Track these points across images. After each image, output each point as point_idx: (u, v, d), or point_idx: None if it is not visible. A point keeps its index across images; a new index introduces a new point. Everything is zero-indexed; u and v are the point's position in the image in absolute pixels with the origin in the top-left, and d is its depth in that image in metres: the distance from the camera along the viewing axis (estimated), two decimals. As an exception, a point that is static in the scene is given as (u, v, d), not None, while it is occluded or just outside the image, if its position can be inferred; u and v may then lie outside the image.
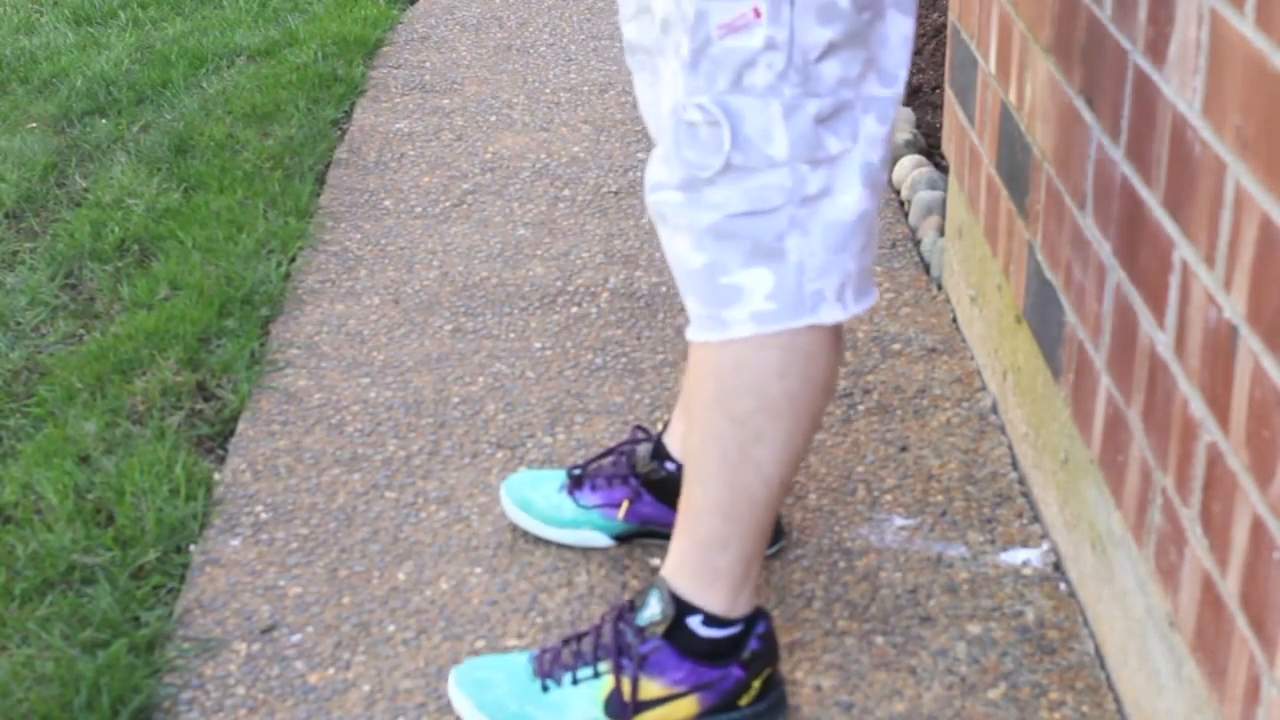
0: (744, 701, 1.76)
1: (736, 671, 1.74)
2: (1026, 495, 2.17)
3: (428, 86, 3.89)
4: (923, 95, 3.52)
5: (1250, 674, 1.34)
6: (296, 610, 2.00)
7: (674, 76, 1.59)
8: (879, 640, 1.91)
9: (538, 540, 2.11)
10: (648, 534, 2.08)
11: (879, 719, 1.79)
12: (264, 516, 2.19)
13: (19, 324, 2.77)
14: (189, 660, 1.92)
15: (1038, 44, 1.97)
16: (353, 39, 4.18)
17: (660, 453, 2.05)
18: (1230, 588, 1.38)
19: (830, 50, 1.55)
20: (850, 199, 1.61)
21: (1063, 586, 1.99)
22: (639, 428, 2.12)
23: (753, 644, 1.75)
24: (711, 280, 1.63)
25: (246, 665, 1.91)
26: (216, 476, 2.29)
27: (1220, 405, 1.39)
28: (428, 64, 4.06)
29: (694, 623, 1.73)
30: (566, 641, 1.79)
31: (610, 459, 2.10)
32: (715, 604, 1.73)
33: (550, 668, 1.76)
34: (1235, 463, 1.36)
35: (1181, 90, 1.46)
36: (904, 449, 2.29)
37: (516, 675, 1.77)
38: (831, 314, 1.64)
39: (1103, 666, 1.85)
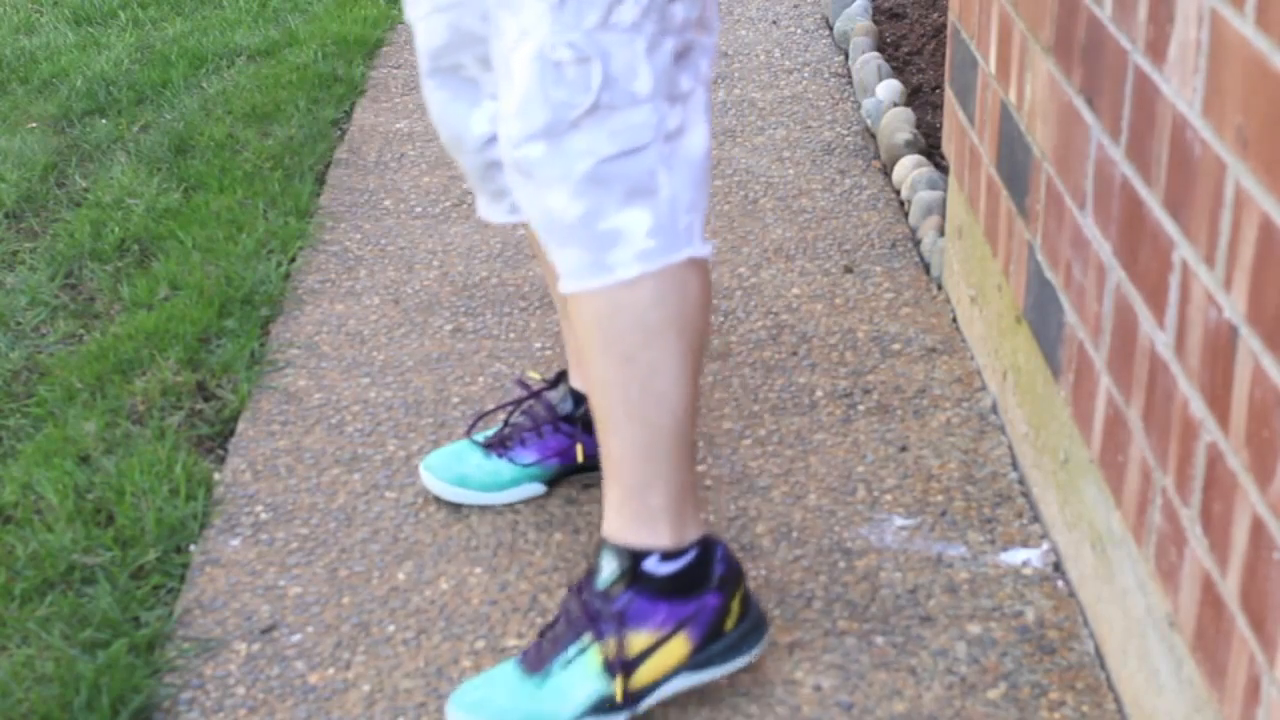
0: (729, 626, 1.78)
1: (712, 599, 1.76)
2: (1026, 495, 2.17)
3: (428, 86, 3.89)
4: (923, 95, 3.52)
5: (1250, 674, 1.34)
6: (296, 610, 2.00)
7: (537, 19, 1.61)
8: (879, 640, 1.91)
9: (538, 540, 2.11)
10: (578, 471, 2.20)
11: (879, 719, 1.79)
12: (264, 516, 2.20)
13: (19, 324, 2.77)
14: (189, 660, 1.92)
15: (1038, 44, 1.97)
16: (353, 39, 4.18)
17: (579, 395, 2.15)
18: (1230, 588, 1.38)
19: None
20: (699, 136, 1.69)
21: (1063, 586, 1.99)
22: (520, 382, 2.22)
23: (717, 568, 1.77)
24: (590, 227, 1.66)
25: (246, 665, 1.91)
26: (216, 476, 2.29)
27: (1220, 405, 1.39)
28: (428, 64, 4.05)
29: (650, 564, 1.74)
30: (542, 634, 1.79)
31: (520, 418, 2.18)
32: (663, 540, 1.74)
33: (537, 662, 1.76)
34: (1235, 463, 1.36)
35: (1181, 90, 1.46)
36: (904, 449, 2.29)
37: (509, 682, 1.76)
38: (703, 247, 1.71)
39: (1103, 666, 1.85)
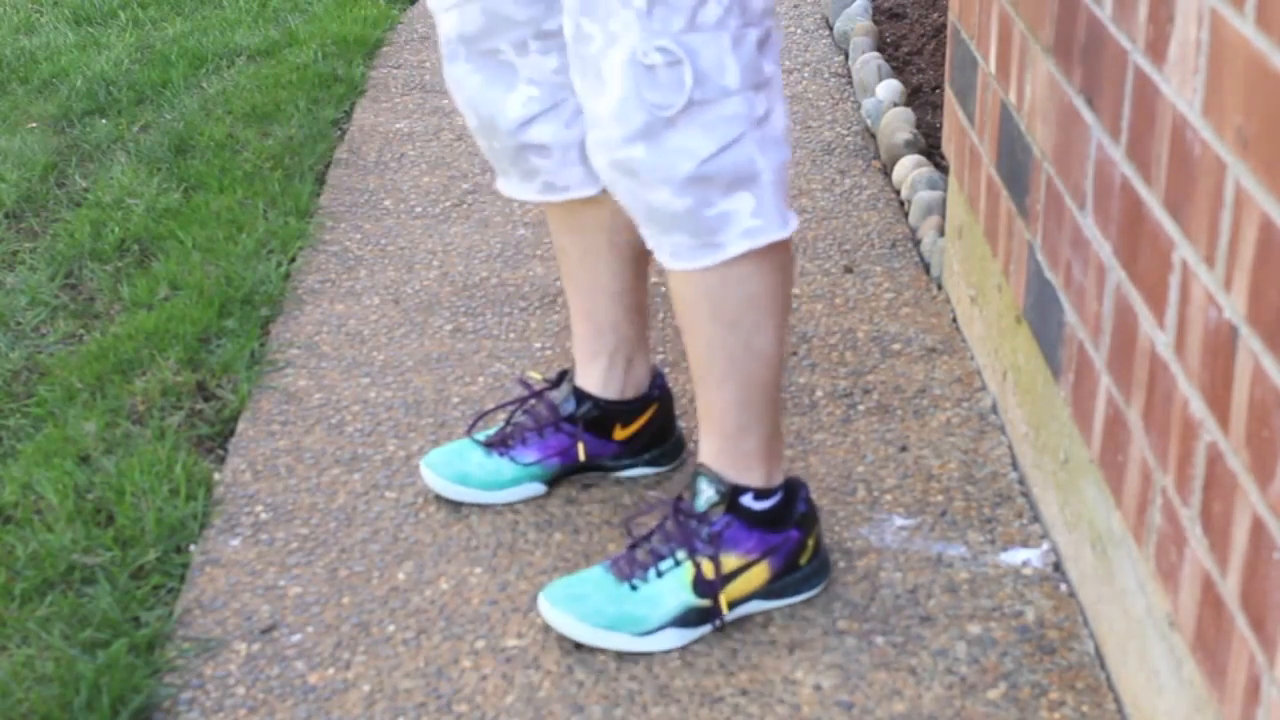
0: (803, 561, 1.95)
1: (794, 534, 1.93)
2: (1026, 495, 2.17)
3: (428, 86, 3.89)
4: (923, 95, 3.52)
5: (1250, 674, 1.34)
6: (296, 610, 2.00)
7: (625, 25, 1.69)
8: (879, 640, 1.91)
9: (538, 540, 2.11)
10: (579, 470, 2.22)
11: (879, 719, 1.79)
12: (264, 516, 2.20)
13: (19, 324, 2.77)
14: (189, 660, 1.92)
15: (1038, 44, 1.97)
16: (353, 39, 4.18)
17: (582, 395, 2.17)
18: (1230, 588, 1.38)
19: None
20: (781, 117, 1.80)
21: (1063, 586, 1.99)
22: (522, 381, 2.24)
23: (800, 507, 1.94)
24: (697, 216, 1.77)
25: (246, 665, 1.91)
26: (216, 476, 2.29)
27: (1220, 405, 1.39)
28: (428, 64, 4.05)
29: (747, 500, 1.91)
30: (633, 546, 1.92)
31: (522, 417, 2.20)
32: (757, 480, 1.92)
33: (631, 570, 1.90)
34: (1235, 463, 1.36)
35: (1181, 90, 1.46)
36: (904, 449, 2.29)
37: (603, 584, 1.90)
38: (794, 220, 1.85)
39: (1103, 666, 1.85)
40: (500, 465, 2.17)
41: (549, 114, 1.98)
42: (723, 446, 1.91)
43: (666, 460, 2.23)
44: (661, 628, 1.88)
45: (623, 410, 2.17)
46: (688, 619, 1.89)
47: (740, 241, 1.79)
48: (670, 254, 1.82)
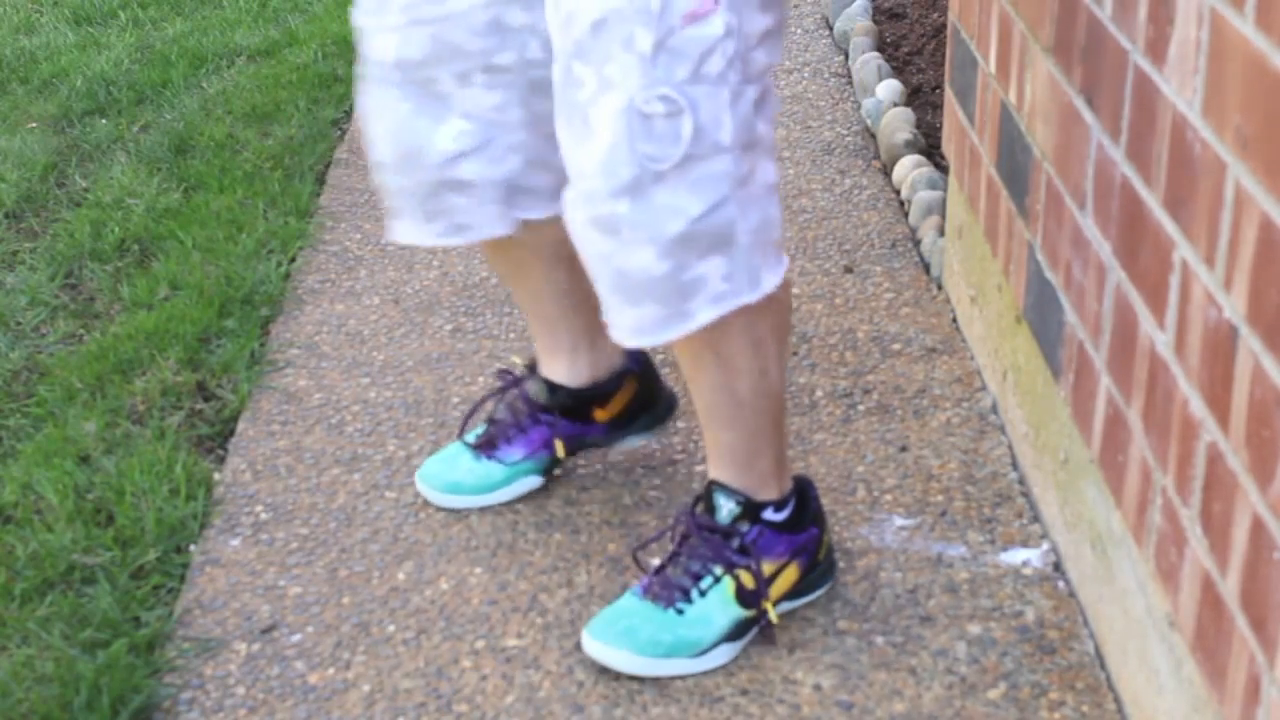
0: (821, 556, 1.97)
1: (814, 531, 1.95)
2: (1026, 495, 2.17)
3: (428, 86, 3.88)
4: (923, 95, 3.52)
5: (1250, 674, 1.34)
6: (296, 610, 2.00)
7: (625, 71, 1.60)
8: (879, 640, 1.91)
9: (538, 540, 2.11)
10: (572, 454, 2.21)
11: (879, 719, 1.79)
12: (264, 516, 2.20)
13: (19, 324, 2.77)
14: (189, 660, 1.92)
15: (1038, 44, 1.97)
16: (353, 39, 4.18)
17: (552, 386, 2.15)
18: (1230, 588, 1.38)
19: (765, 38, 1.66)
20: (767, 175, 1.72)
21: (1063, 586, 1.99)
22: (504, 371, 2.21)
23: (813, 504, 1.95)
24: (674, 281, 1.68)
25: (246, 665, 1.91)
26: (216, 476, 2.29)
27: (1220, 405, 1.39)
28: (428, 64, 4.05)
29: (768, 514, 1.90)
30: (661, 569, 1.90)
31: (503, 413, 2.18)
32: (772, 494, 1.91)
33: (671, 593, 1.88)
34: (1235, 463, 1.36)
35: (1181, 90, 1.46)
36: (904, 449, 2.29)
37: (648, 613, 1.87)
38: (773, 279, 1.76)
39: (1103, 666, 1.85)
40: (489, 469, 2.17)
41: (479, 151, 1.89)
42: (738, 470, 1.89)
43: (659, 423, 2.22)
44: (715, 645, 1.86)
45: (597, 394, 2.16)
46: (737, 632, 1.88)
47: (708, 309, 1.71)
48: (631, 330, 1.73)
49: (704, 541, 1.89)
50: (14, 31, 4.41)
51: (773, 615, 1.89)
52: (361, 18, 1.88)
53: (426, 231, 1.96)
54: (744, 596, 1.88)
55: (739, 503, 1.88)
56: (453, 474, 2.17)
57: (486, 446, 2.17)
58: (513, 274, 2.10)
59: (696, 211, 1.64)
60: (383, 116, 1.89)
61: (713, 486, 1.90)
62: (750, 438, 1.86)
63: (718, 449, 1.88)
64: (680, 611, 1.86)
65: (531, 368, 2.19)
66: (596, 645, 1.85)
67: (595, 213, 1.65)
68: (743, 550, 1.88)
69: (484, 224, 1.95)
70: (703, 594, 1.87)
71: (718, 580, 1.87)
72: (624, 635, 1.85)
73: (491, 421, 2.19)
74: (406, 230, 1.97)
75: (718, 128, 1.63)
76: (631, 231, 1.64)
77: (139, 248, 3.03)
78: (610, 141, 1.61)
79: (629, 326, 1.72)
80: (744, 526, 1.88)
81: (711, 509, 1.90)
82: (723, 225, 1.67)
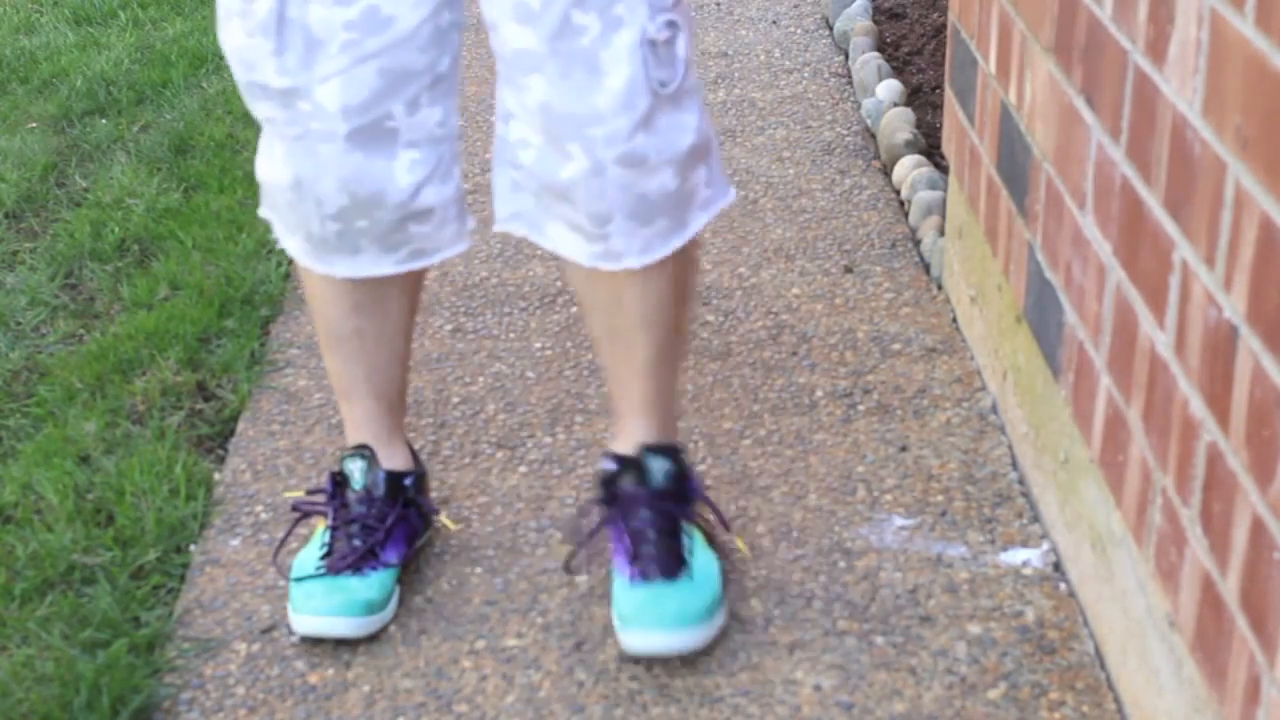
0: None
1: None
2: (1026, 495, 2.17)
3: (428, 86, 3.88)
4: (923, 95, 3.52)
5: (1250, 674, 1.34)
6: (296, 610, 2.00)
7: (632, 5, 1.68)
8: (879, 640, 1.91)
9: (538, 540, 2.11)
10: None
11: (879, 719, 1.79)
12: (264, 516, 2.20)
13: (19, 324, 2.77)
14: (189, 660, 1.92)
15: (1038, 44, 1.97)
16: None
17: (398, 475, 2.02)
18: (1230, 588, 1.38)
19: None
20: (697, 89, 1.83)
21: (1063, 586, 1.99)
22: (305, 500, 2.05)
23: None
24: (681, 193, 1.79)
25: (246, 665, 1.91)
26: (216, 476, 2.29)
27: (1220, 405, 1.39)
28: (428, 64, 4.05)
29: (684, 456, 1.98)
30: (636, 554, 1.89)
31: (353, 526, 1.97)
32: (676, 436, 2.03)
33: (669, 567, 1.88)
34: (1235, 463, 1.36)
35: (1181, 90, 1.46)
36: (904, 449, 2.29)
37: (663, 590, 1.86)
38: (732, 189, 1.90)
39: (1103, 666, 1.85)
40: (383, 578, 1.94)
41: (433, 175, 1.84)
42: (663, 423, 1.97)
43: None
44: (723, 589, 1.92)
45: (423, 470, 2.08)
46: (723, 572, 1.95)
47: (699, 215, 1.83)
48: (641, 250, 1.79)
49: (659, 512, 1.91)
50: (14, 31, 4.41)
51: (741, 546, 2.01)
52: (279, 79, 1.75)
53: (386, 262, 1.89)
54: (711, 538, 1.98)
55: (673, 460, 1.94)
56: (348, 602, 1.90)
57: (369, 559, 1.93)
58: (378, 339, 1.99)
59: (694, 122, 1.76)
60: (328, 173, 1.79)
61: (647, 451, 1.94)
62: (674, 377, 1.97)
63: (648, 403, 1.95)
64: (690, 577, 1.89)
65: (334, 487, 1.99)
66: (642, 637, 1.82)
67: (620, 150, 1.72)
68: (690, 499, 1.95)
69: (444, 245, 1.91)
70: (692, 554, 1.92)
71: (691, 536, 1.94)
72: (660, 620, 1.82)
73: (348, 542, 1.94)
74: (364, 265, 1.88)
75: (688, 44, 1.75)
76: (656, 156, 1.74)
77: (139, 248, 3.03)
78: (628, 75, 1.69)
79: (639, 247, 1.80)
80: (684, 478, 1.95)
81: (645, 474, 1.93)
82: (707, 130, 1.79)
